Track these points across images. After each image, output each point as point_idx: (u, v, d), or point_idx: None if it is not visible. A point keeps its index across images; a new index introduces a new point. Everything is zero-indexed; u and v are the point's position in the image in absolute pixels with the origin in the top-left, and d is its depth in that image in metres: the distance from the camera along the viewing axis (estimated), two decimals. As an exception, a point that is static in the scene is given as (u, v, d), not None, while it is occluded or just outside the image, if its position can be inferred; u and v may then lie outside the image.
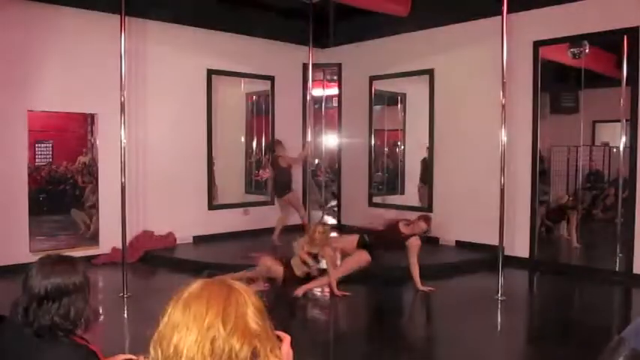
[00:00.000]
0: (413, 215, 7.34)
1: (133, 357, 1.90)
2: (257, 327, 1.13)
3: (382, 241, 5.75)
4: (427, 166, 7.89)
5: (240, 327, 1.11)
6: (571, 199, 7.12)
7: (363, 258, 5.67)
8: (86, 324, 1.75)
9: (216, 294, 1.14)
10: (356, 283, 5.68)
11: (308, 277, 5.51)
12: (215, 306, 1.11)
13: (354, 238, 5.84)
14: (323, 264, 5.57)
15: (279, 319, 1.25)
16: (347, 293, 5.42)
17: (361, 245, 5.74)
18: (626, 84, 5.99)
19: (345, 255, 5.88)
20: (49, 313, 1.67)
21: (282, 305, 5.24)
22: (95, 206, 6.83)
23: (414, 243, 5.61)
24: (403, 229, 5.70)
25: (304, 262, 5.48)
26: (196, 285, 1.17)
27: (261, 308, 1.17)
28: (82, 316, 1.73)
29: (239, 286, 1.19)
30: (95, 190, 6.82)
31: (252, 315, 1.13)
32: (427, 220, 5.78)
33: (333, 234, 7.60)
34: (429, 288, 5.57)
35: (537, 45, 6.59)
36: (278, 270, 5.46)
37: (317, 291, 5.58)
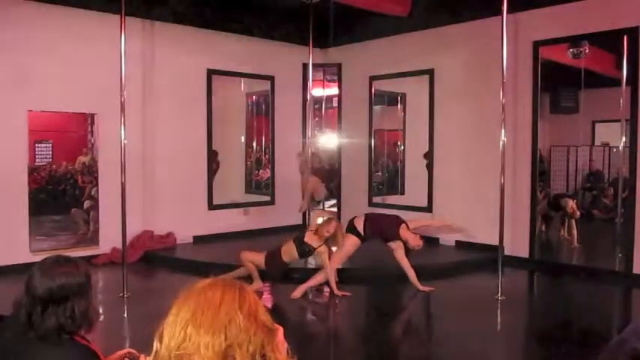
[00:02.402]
0: (412, 215, 7.36)
1: (134, 351, 1.90)
2: (265, 319, 1.15)
3: (378, 228, 5.62)
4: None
5: (254, 314, 1.13)
6: (570, 197, 7.13)
7: (351, 243, 5.53)
8: (89, 325, 1.75)
9: (229, 285, 1.17)
10: (356, 283, 5.68)
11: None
12: (230, 293, 1.14)
13: (354, 241, 5.77)
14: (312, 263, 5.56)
15: (279, 319, 1.25)
16: (347, 293, 5.42)
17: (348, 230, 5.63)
18: (626, 84, 5.99)
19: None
20: (54, 316, 1.67)
21: (282, 305, 5.25)
22: (95, 206, 6.84)
23: (397, 245, 5.57)
24: (403, 232, 5.57)
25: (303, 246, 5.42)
26: (207, 280, 1.20)
27: (264, 306, 1.20)
28: (86, 317, 1.73)
29: (243, 283, 1.22)
30: (95, 190, 6.83)
31: (261, 308, 1.17)
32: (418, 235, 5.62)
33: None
34: (429, 288, 5.57)
35: (537, 45, 6.59)
36: (259, 260, 5.45)
37: (317, 291, 5.58)
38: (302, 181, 7.67)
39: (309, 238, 5.43)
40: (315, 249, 5.40)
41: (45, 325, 1.66)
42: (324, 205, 9.44)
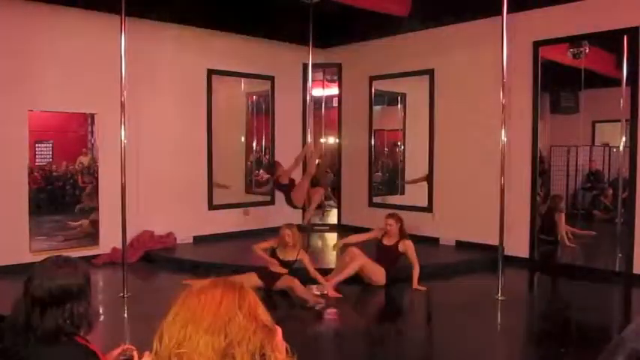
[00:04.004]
0: (412, 215, 7.35)
1: (132, 347, 1.91)
2: (265, 319, 1.15)
3: (386, 264, 5.79)
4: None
5: (253, 314, 1.14)
6: (557, 198, 7.11)
7: (379, 274, 5.72)
8: (88, 326, 1.75)
9: (229, 285, 1.18)
10: (355, 283, 5.68)
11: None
12: (230, 293, 1.15)
13: (380, 270, 5.78)
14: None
15: (278, 319, 1.25)
16: (338, 295, 5.42)
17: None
18: (626, 84, 5.99)
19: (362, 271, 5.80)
20: (52, 318, 1.66)
21: (281, 304, 5.25)
22: (92, 209, 6.84)
23: (408, 244, 5.72)
24: (387, 242, 5.83)
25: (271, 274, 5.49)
26: (207, 281, 1.21)
27: (263, 306, 1.20)
28: (84, 318, 1.73)
29: (242, 283, 1.23)
30: (95, 192, 6.83)
31: (260, 308, 1.18)
32: (392, 216, 5.87)
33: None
34: (423, 288, 5.61)
35: (537, 45, 6.59)
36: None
37: (316, 291, 5.58)
38: (300, 188, 7.38)
39: (284, 255, 5.52)
40: (295, 261, 5.50)
41: (43, 326, 1.65)
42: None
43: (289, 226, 5.62)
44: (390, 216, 5.89)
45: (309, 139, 7.78)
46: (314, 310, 5.06)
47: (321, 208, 8.70)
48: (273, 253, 5.59)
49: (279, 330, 1.20)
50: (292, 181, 7.16)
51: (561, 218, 7.00)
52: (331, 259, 6.64)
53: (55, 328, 1.66)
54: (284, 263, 5.54)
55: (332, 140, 9.44)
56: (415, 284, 5.64)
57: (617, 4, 6.00)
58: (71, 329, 1.69)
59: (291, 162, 7.25)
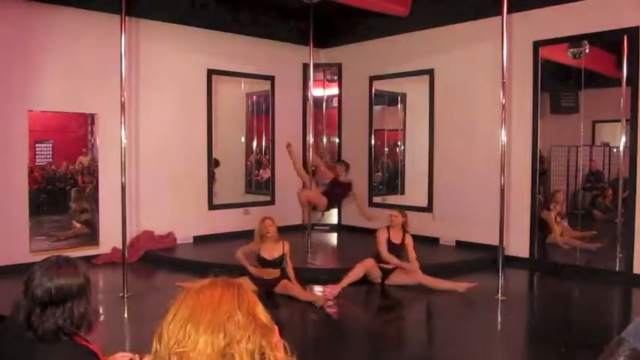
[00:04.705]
0: (413, 215, 7.35)
1: (130, 354, 1.91)
2: (264, 318, 1.16)
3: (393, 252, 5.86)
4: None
5: (252, 312, 1.14)
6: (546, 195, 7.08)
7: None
8: (88, 326, 1.75)
9: (228, 284, 1.18)
10: (356, 283, 5.68)
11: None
12: (229, 292, 1.15)
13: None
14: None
15: (278, 318, 1.26)
16: (329, 297, 5.41)
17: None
18: (626, 84, 5.99)
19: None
20: (53, 318, 1.67)
21: (278, 304, 5.24)
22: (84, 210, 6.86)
23: (410, 238, 5.88)
24: (395, 239, 5.85)
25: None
26: (206, 280, 1.21)
27: (262, 305, 1.20)
28: (84, 318, 1.73)
29: (242, 283, 1.23)
30: (95, 191, 6.84)
31: (259, 307, 1.18)
32: (396, 209, 6.06)
33: None
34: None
35: (537, 45, 6.59)
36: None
37: (317, 291, 5.58)
38: (302, 194, 7.40)
39: (271, 253, 5.43)
40: (282, 256, 5.41)
41: (44, 326, 1.66)
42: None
43: (268, 217, 5.63)
44: (394, 209, 6.10)
45: (310, 139, 7.77)
46: (312, 310, 5.05)
47: (317, 210, 8.65)
48: (258, 257, 5.47)
49: (275, 328, 1.21)
50: (333, 180, 7.33)
51: (550, 215, 6.95)
52: (331, 260, 6.65)
53: (55, 328, 1.66)
54: (272, 263, 5.41)
55: (331, 140, 9.43)
56: (422, 277, 5.65)
57: (617, 4, 6.00)
58: (71, 329, 1.69)
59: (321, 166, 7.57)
